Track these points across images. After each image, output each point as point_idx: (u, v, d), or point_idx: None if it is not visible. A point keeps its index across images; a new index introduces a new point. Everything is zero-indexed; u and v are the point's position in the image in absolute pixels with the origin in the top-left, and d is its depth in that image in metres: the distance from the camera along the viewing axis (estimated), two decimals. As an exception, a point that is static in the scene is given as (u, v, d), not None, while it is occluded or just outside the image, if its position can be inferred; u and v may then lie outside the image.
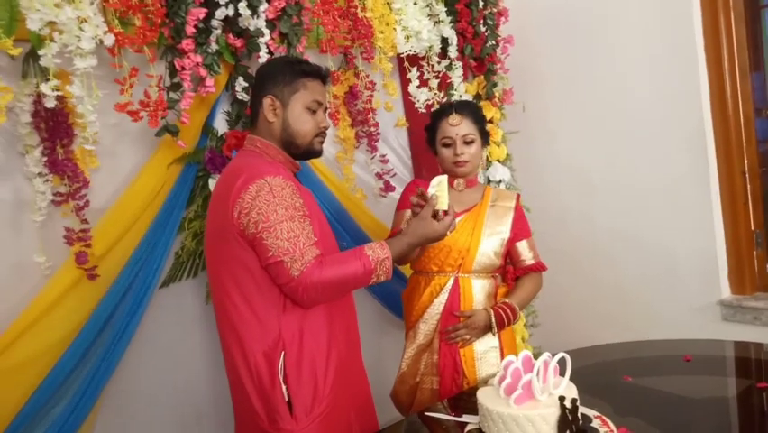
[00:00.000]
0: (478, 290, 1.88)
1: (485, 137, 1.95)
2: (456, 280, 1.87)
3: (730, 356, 1.85)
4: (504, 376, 1.25)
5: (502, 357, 1.84)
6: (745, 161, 2.31)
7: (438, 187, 1.58)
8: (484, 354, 1.86)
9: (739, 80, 2.31)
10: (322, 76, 1.63)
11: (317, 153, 1.64)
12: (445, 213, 1.57)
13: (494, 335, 1.85)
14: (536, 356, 1.26)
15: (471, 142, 1.88)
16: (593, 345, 1.91)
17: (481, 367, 1.85)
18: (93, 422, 1.87)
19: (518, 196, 2.01)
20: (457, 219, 1.86)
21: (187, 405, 2.06)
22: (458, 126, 1.87)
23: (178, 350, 2.04)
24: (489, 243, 1.88)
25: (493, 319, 1.81)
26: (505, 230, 1.90)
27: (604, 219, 2.63)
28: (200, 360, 2.08)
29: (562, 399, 1.19)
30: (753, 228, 2.31)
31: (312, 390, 1.48)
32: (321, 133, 1.62)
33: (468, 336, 1.84)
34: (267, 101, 1.56)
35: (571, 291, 2.73)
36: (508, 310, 1.82)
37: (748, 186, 2.30)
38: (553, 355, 1.26)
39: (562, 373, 1.28)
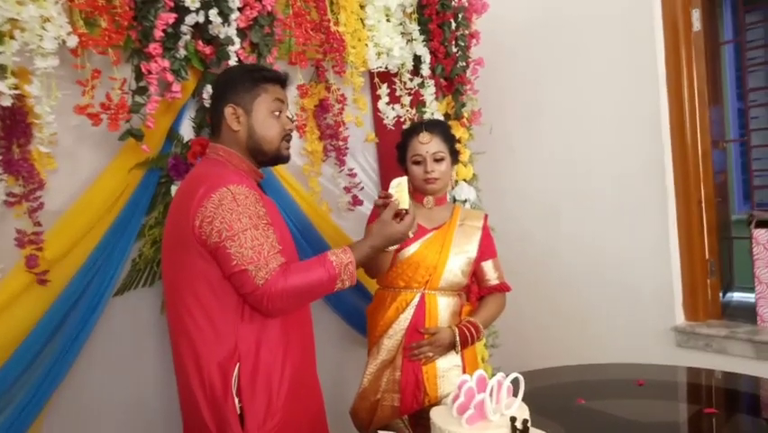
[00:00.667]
0: (443, 308, 1.89)
1: (454, 156, 1.97)
2: (423, 297, 1.88)
3: (682, 382, 1.89)
4: (457, 395, 1.25)
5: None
6: (702, 192, 2.37)
7: (397, 188, 1.62)
8: (446, 372, 1.86)
9: (698, 113, 2.38)
10: (281, 80, 1.62)
11: (285, 159, 1.63)
12: (406, 212, 1.58)
13: (457, 353, 1.85)
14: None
15: (441, 159, 1.90)
16: (548, 367, 1.93)
17: (443, 385, 1.85)
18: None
19: (486, 216, 2.03)
20: (426, 236, 1.90)
21: (137, 417, 2.01)
22: (428, 144, 1.89)
23: (131, 361, 1.99)
24: (457, 261, 1.89)
25: (457, 337, 1.82)
26: (472, 249, 1.92)
27: (564, 243, 2.67)
28: (153, 371, 2.03)
29: (513, 419, 1.19)
30: (707, 257, 2.37)
31: (265, 403, 1.46)
32: (287, 137, 1.61)
33: (431, 354, 1.84)
34: (228, 110, 1.54)
35: (532, 313, 2.76)
36: (473, 329, 1.84)
37: (704, 216, 2.37)
38: (507, 376, 1.27)
39: (516, 394, 1.29)
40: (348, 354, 2.43)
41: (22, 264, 1.71)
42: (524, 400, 1.28)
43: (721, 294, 2.45)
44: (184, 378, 1.51)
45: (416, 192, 1.96)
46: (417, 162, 1.90)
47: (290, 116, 2.13)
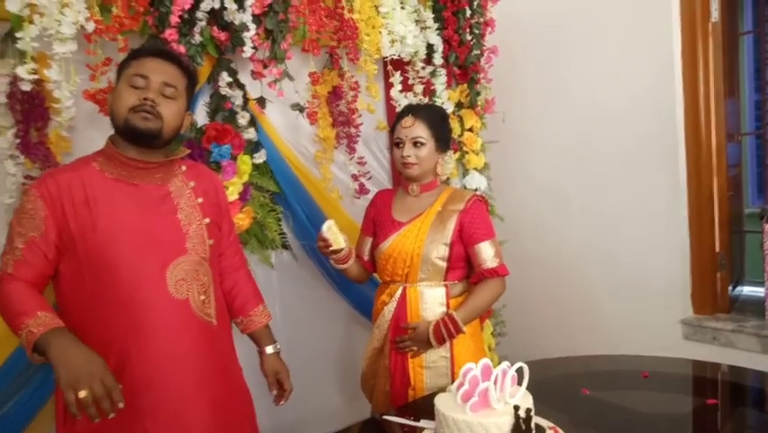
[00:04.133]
0: (426, 299, 1.86)
1: (443, 143, 1.92)
2: (404, 290, 1.88)
3: (687, 374, 1.89)
4: (462, 383, 1.27)
5: (453, 368, 1.84)
6: (715, 185, 2.36)
7: (329, 231, 1.81)
8: (433, 363, 1.85)
9: (714, 106, 2.36)
10: (153, 52, 1.51)
11: (139, 130, 1.43)
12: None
13: (435, 347, 1.83)
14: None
15: (422, 144, 1.86)
16: (554, 357, 1.94)
17: (430, 376, 1.85)
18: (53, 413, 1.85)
19: (473, 197, 1.91)
20: (400, 230, 1.89)
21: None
22: (409, 128, 1.87)
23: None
24: (433, 249, 1.84)
25: (430, 333, 1.80)
26: (447, 234, 1.86)
27: (575, 233, 2.67)
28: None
29: (516, 408, 1.21)
30: (717, 250, 2.36)
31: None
32: (139, 108, 1.43)
33: (415, 347, 1.84)
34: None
35: (540, 302, 2.77)
36: (449, 323, 1.79)
37: (716, 209, 2.36)
38: (512, 365, 1.29)
39: (521, 383, 1.31)
40: (355, 337, 2.48)
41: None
42: (528, 389, 1.30)
43: (731, 288, 2.45)
44: None
45: (403, 179, 1.96)
46: (398, 145, 1.89)
47: (301, 104, 2.10)
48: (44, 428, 1.80)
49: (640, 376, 1.75)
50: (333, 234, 1.81)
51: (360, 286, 2.19)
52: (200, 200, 1.58)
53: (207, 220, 1.58)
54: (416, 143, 1.86)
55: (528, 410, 1.22)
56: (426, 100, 2.45)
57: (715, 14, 2.37)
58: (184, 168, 1.61)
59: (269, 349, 1.76)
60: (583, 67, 2.62)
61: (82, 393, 1.20)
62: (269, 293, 2.27)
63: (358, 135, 2.36)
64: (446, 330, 1.79)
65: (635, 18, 2.44)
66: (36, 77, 1.58)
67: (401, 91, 2.39)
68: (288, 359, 1.79)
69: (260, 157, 2.11)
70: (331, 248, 1.82)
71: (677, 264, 2.36)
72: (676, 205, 2.36)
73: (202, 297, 1.53)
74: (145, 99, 1.43)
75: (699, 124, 2.36)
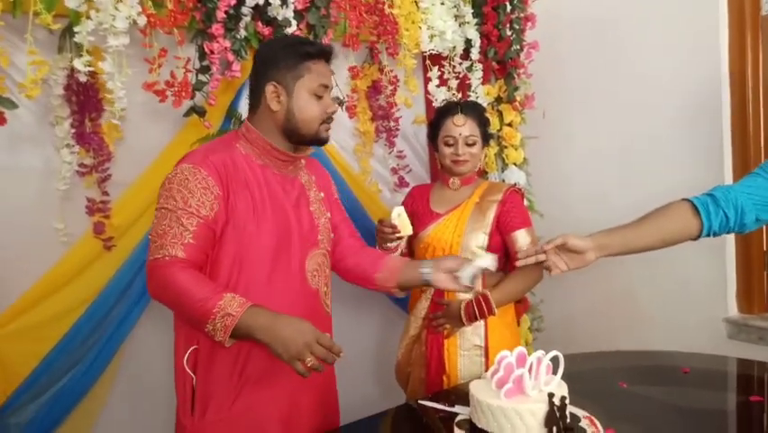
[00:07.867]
0: None
1: (486, 139, 1.99)
2: None
3: (731, 372, 1.84)
4: (497, 370, 1.28)
5: (486, 359, 1.86)
6: (763, 182, 2.29)
7: (398, 218, 1.77)
8: (467, 351, 1.88)
9: (762, 99, 2.29)
10: (326, 54, 1.52)
11: (324, 141, 1.54)
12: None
13: (466, 324, 1.83)
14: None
15: (473, 144, 1.92)
16: (592, 351, 1.93)
17: (464, 364, 1.88)
18: (108, 389, 1.95)
19: (510, 188, 1.97)
20: (439, 220, 1.93)
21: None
22: (462, 127, 1.91)
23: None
24: (472, 238, 1.88)
25: (461, 310, 1.82)
26: (487, 224, 1.89)
27: (615, 229, 2.62)
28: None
29: (551, 395, 1.21)
30: (764, 249, 2.29)
31: (218, 390, 1.40)
32: (327, 119, 1.51)
33: (448, 325, 1.87)
34: (269, 88, 1.46)
35: (579, 299, 2.74)
36: (482, 302, 1.80)
37: (764, 206, 2.29)
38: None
39: (556, 372, 1.31)
40: (391, 328, 2.51)
41: (91, 231, 1.84)
42: (564, 380, 1.30)
43: (780, 287, 2.37)
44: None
45: (444, 173, 1.99)
46: (449, 144, 1.92)
47: (341, 98, 2.12)
48: (96, 403, 1.90)
49: (680, 372, 1.72)
50: (402, 220, 1.79)
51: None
52: (322, 195, 1.62)
53: (329, 214, 1.63)
54: (468, 143, 1.90)
55: (563, 398, 1.22)
56: (460, 95, 2.46)
57: (765, 7, 2.29)
58: (303, 162, 1.61)
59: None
60: (627, 63, 2.57)
61: (310, 361, 1.24)
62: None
63: (397, 129, 2.39)
64: (478, 309, 1.80)
65: (680, 12, 2.39)
66: (91, 69, 1.66)
67: (438, 86, 2.40)
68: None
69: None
70: (398, 234, 1.77)
71: (721, 262, 2.29)
72: (721, 202, 2.29)
73: (325, 288, 1.58)
74: (332, 112, 1.51)
75: (746, 121, 2.29)
